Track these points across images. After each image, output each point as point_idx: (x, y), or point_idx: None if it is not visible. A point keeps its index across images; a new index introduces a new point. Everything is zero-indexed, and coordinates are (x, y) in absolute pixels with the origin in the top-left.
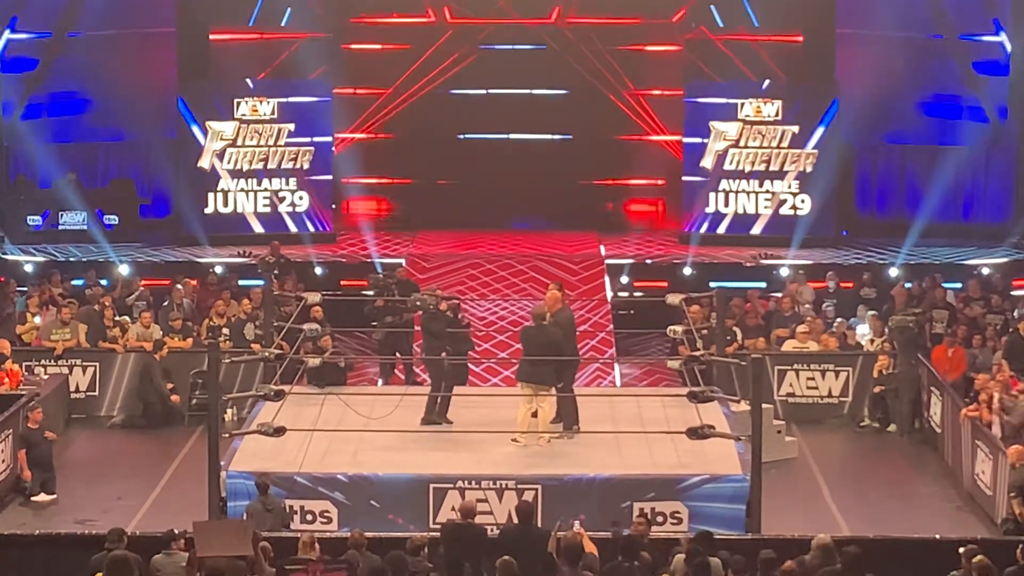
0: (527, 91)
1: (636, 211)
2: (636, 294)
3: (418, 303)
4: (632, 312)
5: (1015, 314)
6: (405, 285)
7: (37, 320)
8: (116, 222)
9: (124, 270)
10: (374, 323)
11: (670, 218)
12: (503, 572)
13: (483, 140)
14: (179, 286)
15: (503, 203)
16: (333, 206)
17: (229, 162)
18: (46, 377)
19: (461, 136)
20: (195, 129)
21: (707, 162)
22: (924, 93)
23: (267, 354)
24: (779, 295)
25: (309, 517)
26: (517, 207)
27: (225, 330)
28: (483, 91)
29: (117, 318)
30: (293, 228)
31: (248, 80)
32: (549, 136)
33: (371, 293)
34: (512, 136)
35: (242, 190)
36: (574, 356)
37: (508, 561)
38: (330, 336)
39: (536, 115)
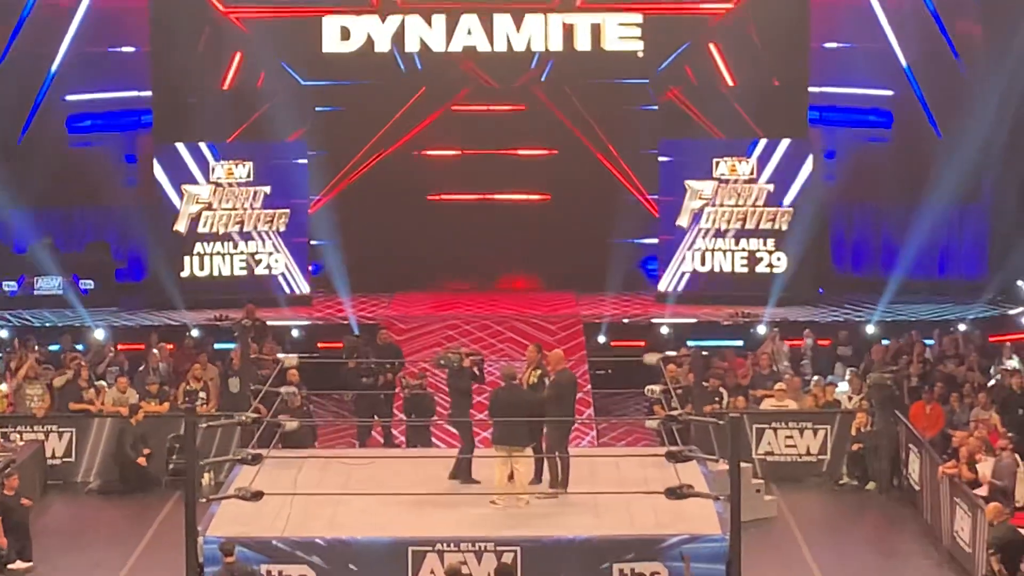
0: (501, 151)
1: None
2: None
3: (442, 361)
4: (610, 371)
5: (1003, 366)
6: (387, 349)
7: (3, 387)
8: (92, 286)
9: (100, 334)
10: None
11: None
12: None
13: (455, 201)
14: (155, 350)
15: (478, 264)
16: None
17: (205, 225)
18: (22, 443)
19: (432, 197)
20: (171, 192)
21: (683, 220)
22: (898, 147)
23: (244, 418)
24: (755, 353)
25: None
26: (493, 267)
27: (202, 394)
28: (456, 152)
29: (96, 383)
30: (269, 291)
31: (224, 143)
32: (525, 196)
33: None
34: (487, 196)
35: (218, 253)
36: (569, 417)
37: None
38: (300, 396)
39: (510, 175)
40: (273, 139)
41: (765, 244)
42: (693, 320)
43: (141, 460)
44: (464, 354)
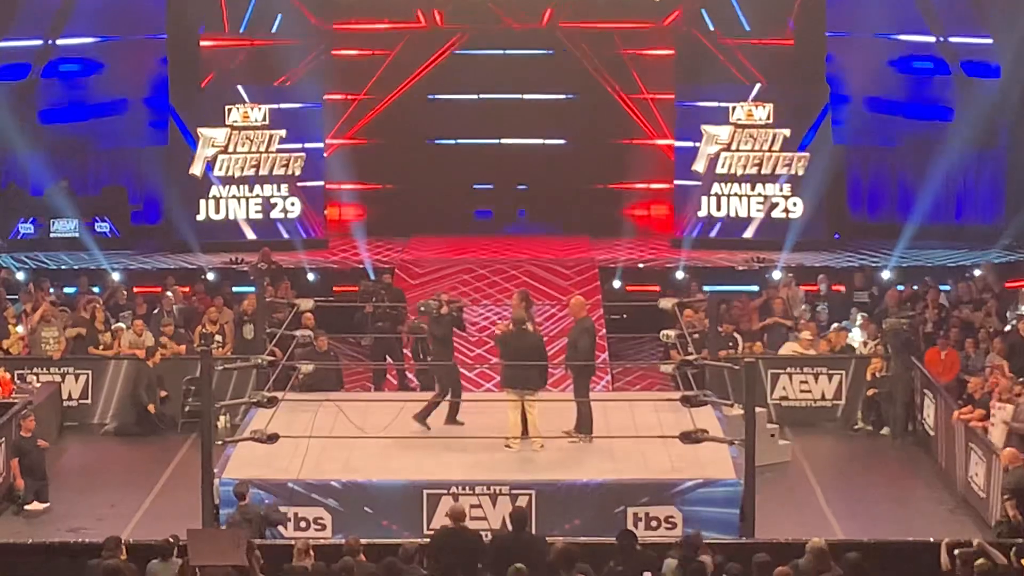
0: (518, 95)
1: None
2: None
3: (422, 308)
4: (625, 316)
5: (1018, 311)
6: (394, 292)
7: (20, 330)
8: (108, 229)
9: (116, 277)
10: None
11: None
12: None
13: (472, 145)
14: (169, 293)
15: (495, 207)
16: (325, 211)
17: (221, 169)
18: (38, 385)
19: (450, 141)
20: (186, 136)
21: (699, 166)
22: (915, 94)
23: (259, 361)
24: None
25: (303, 524)
26: (509, 212)
27: (218, 337)
28: (474, 96)
29: (114, 326)
30: (285, 234)
31: (239, 87)
32: (541, 141)
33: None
34: (504, 141)
35: (234, 196)
36: (590, 362)
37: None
38: (326, 340)
39: (528, 119)
40: (288, 82)
41: (781, 189)
42: (708, 265)
43: (151, 407)
44: (444, 300)
